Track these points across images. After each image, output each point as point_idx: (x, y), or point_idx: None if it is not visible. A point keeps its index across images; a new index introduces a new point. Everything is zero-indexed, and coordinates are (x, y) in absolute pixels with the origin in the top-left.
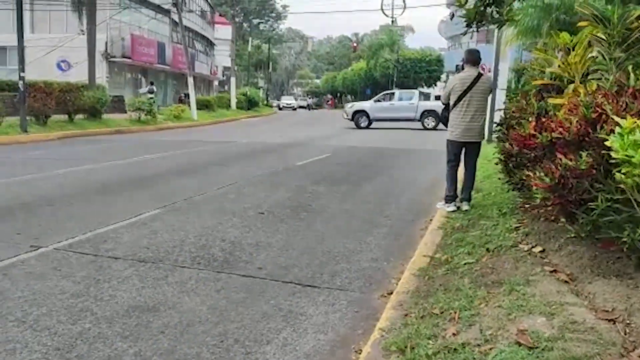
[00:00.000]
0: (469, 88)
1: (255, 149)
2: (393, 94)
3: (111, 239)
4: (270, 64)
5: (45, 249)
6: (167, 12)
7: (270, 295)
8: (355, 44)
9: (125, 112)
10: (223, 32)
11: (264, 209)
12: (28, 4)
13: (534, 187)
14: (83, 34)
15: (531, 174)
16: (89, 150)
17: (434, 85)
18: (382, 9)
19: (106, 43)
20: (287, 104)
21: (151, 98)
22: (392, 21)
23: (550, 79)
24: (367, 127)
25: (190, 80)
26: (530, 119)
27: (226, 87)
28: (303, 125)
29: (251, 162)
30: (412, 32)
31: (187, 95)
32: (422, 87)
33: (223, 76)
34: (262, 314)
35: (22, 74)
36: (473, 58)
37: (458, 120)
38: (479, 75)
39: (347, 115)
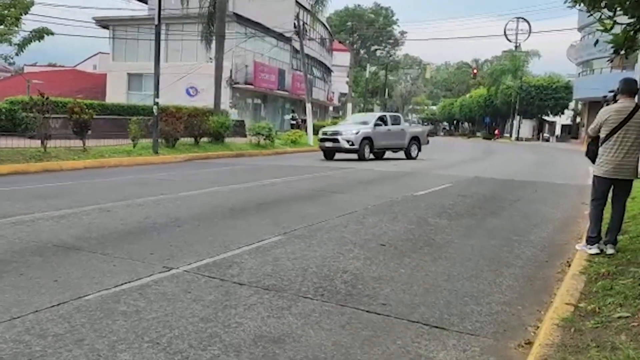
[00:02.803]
0: (625, 121)
1: (372, 177)
2: (384, 117)
3: (236, 264)
4: (387, 90)
5: (177, 271)
6: (288, 40)
7: (396, 334)
8: (475, 70)
9: (245, 136)
10: (340, 59)
11: (385, 240)
12: (164, 34)
13: None
14: (211, 62)
15: None
16: (213, 172)
17: (560, 113)
18: (505, 35)
19: (231, 70)
20: None
21: (293, 122)
22: (516, 46)
23: None
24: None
25: (309, 106)
26: None
27: (341, 113)
28: (421, 153)
29: (369, 190)
30: (538, 57)
31: (303, 121)
32: (548, 115)
33: (339, 102)
34: (389, 355)
35: (156, 100)
36: (630, 88)
37: (610, 155)
38: (637, 107)
39: (352, 143)
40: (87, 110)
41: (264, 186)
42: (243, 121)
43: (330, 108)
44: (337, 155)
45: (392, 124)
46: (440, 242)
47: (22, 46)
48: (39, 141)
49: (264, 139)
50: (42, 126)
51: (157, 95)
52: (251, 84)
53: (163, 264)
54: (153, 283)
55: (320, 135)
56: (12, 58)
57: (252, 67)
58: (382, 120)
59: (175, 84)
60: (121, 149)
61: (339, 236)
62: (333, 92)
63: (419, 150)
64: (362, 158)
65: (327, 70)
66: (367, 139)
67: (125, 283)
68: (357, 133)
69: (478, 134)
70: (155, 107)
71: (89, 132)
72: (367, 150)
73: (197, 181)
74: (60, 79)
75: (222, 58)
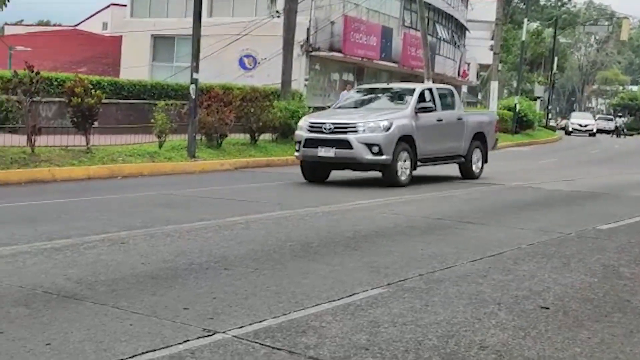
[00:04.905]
0: None
1: (527, 198)
2: (429, 93)
3: (313, 330)
4: (555, 59)
5: (223, 336)
6: None
7: None
8: None
9: None
10: (481, 11)
11: (548, 301)
12: None
13: None
14: (277, 17)
15: None
16: (277, 188)
17: None
18: None
19: (308, 30)
20: (580, 124)
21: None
22: None
23: None
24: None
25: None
26: None
27: (481, 97)
28: (611, 162)
29: (523, 219)
30: None
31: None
32: None
33: (477, 78)
34: None
35: (194, 75)
36: None
37: None
38: None
39: (379, 148)
40: (93, 91)
41: (355, 210)
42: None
43: (463, 88)
44: (333, 175)
45: (443, 108)
46: None
47: None
48: (24, 137)
49: None
50: (30, 115)
51: (196, 69)
52: (339, 51)
53: (203, 325)
54: (188, 354)
55: (302, 132)
56: None
57: (342, 24)
58: (425, 99)
59: (223, 52)
60: (141, 150)
61: (473, 291)
62: (468, 64)
63: (485, 159)
64: (393, 181)
65: (460, 28)
66: (406, 141)
67: (147, 352)
68: (387, 128)
69: None
70: (192, 86)
71: (95, 123)
72: (404, 163)
73: (254, 201)
74: (55, 44)
75: (294, 11)
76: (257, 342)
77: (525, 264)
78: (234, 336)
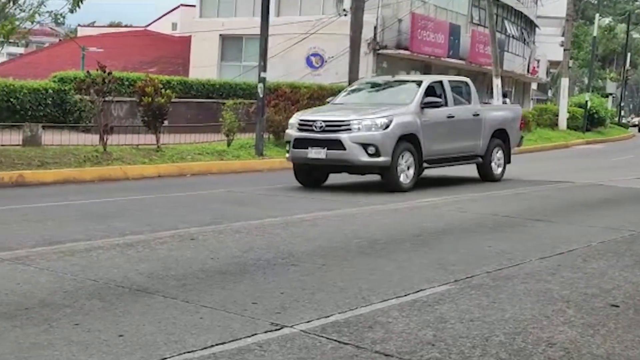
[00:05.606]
0: None
1: (598, 196)
2: (439, 85)
3: (379, 325)
4: (629, 56)
5: (291, 330)
6: None
7: None
8: None
9: None
10: (551, 7)
11: (618, 299)
12: None
13: None
14: (345, 16)
15: None
16: (343, 186)
17: None
18: None
19: (375, 28)
20: None
21: None
22: None
23: None
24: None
25: (497, 82)
26: None
27: (551, 94)
28: None
29: (593, 217)
30: None
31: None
32: None
33: (548, 75)
34: None
35: (262, 74)
36: None
37: None
38: None
39: (375, 149)
40: (163, 90)
41: (422, 207)
42: None
43: (533, 86)
44: (331, 178)
45: (455, 103)
46: None
47: None
48: (97, 136)
49: None
50: (102, 114)
51: (263, 68)
52: (406, 49)
53: (271, 319)
54: (256, 347)
55: (292, 131)
56: (63, 16)
57: (409, 21)
58: (434, 93)
59: (290, 51)
60: (210, 149)
61: (542, 289)
62: (537, 60)
63: (508, 160)
64: (394, 186)
65: (529, 25)
66: (409, 140)
67: (217, 345)
68: (386, 125)
69: None
70: (260, 85)
71: (165, 122)
72: (407, 166)
73: (320, 198)
74: (126, 45)
75: (362, 9)
76: (324, 337)
77: (595, 262)
78: (302, 330)
